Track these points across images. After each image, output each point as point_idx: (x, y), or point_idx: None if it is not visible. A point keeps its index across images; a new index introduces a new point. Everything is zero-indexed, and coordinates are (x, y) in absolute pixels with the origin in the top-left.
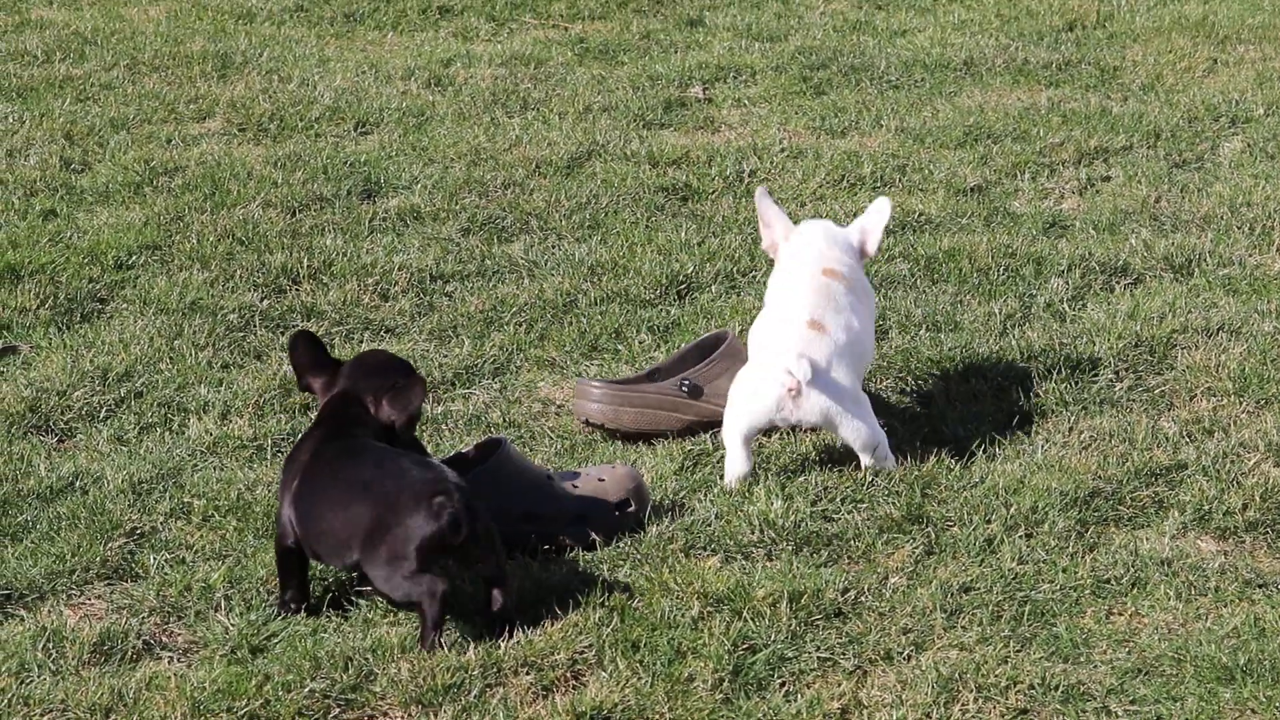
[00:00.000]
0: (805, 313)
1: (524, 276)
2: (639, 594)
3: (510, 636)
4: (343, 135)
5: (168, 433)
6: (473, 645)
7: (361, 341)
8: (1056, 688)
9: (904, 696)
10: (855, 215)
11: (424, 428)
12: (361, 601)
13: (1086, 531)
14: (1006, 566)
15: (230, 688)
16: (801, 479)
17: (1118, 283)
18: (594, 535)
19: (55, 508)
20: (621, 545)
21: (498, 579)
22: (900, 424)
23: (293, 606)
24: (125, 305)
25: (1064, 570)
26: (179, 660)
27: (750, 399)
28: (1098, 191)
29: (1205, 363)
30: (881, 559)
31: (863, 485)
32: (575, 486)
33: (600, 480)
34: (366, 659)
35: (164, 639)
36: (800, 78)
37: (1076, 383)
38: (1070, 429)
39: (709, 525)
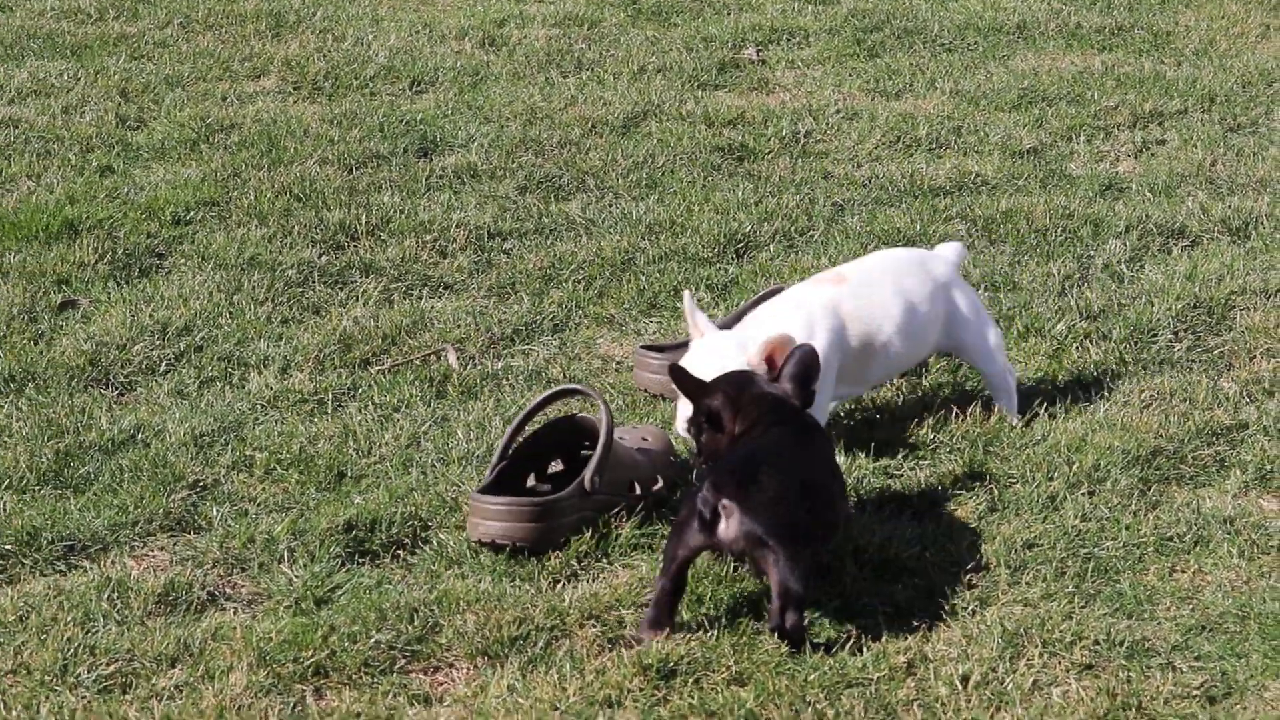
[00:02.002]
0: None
1: (582, 234)
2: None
3: None
4: (398, 94)
5: (228, 387)
6: (538, 598)
7: (420, 298)
8: (1121, 643)
9: (969, 651)
10: (909, 177)
11: (484, 381)
12: (427, 552)
13: (1149, 490)
14: (1069, 523)
15: (295, 639)
16: (864, 436)
17: (1175, 245)
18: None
19: (117, 460)
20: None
21: None
22: (961, 381)
23: None
24: (183, 260)
25: (1127, 528)
26: (243, 611)
27: None
28: (1153, 155)
29: (1264, 324)
30: (945, 515)
31: (926, 443)
32: (645, 440)
33: (644, 440)
34: (432, 610)
35: (228, 590)
36: (854, 40)
37: (1136, 343)
38: (1131, 388)
39: None
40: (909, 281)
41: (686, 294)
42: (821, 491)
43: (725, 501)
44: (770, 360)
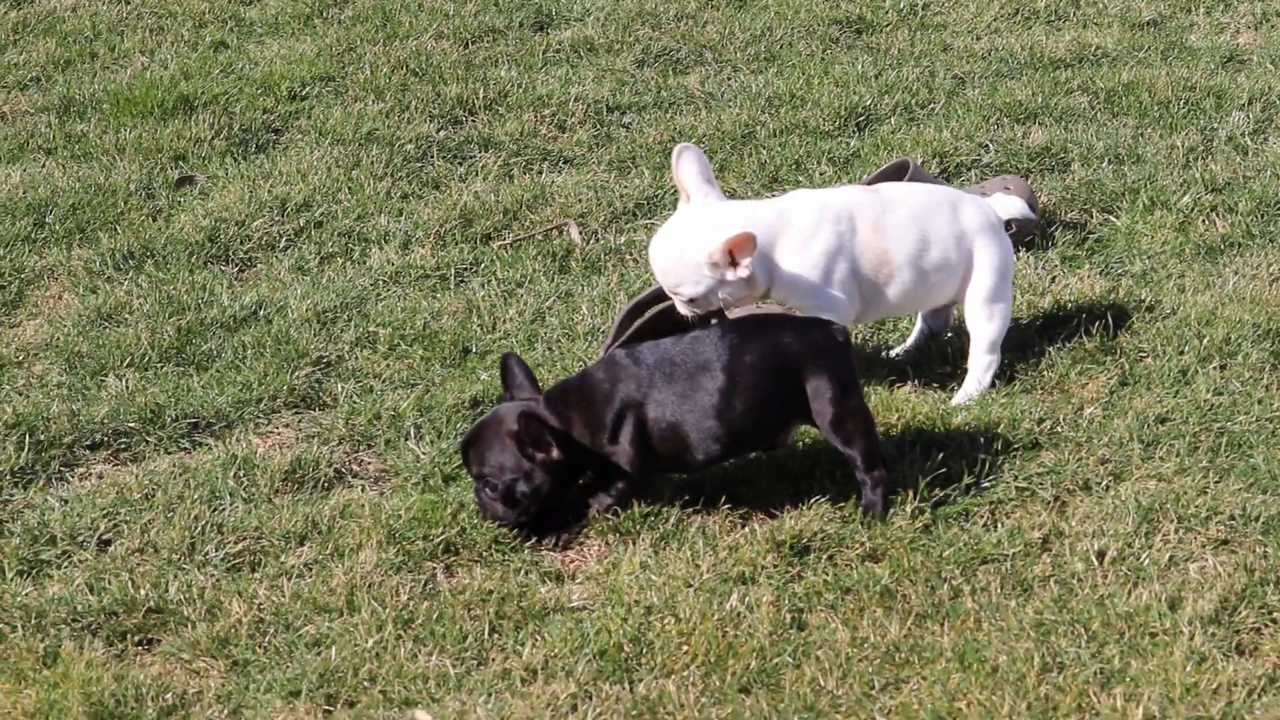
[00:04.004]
0: None
1: (701, 108)
2: None
3: None
4: None
5: (349, 262)
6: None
7: (540, 172)
8: (1257, 518)
9: (1105, 526)
10: (1029, 50)
11: (607, 256)
12: None
13: None
14: (1202, 398)
15: (424, 516)
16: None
17: None
18: None
19: (239, 336)
20: None
21: None
22: (1085, 254)
23: None
24: (300, 136)
25: (1259, 402)
26: (371, 489)
27: None
28: (1273, 26)
29: None
30: (1076, 389)
31: (1054, 315)
32: (1007, 187)
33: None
34: None
35: (355, 467)
36: None
37: (1262, 216)
38: (1259, 262)
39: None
40: (935, 218)
41: (678, 148)
42: None
43: None
44: (731, 255)
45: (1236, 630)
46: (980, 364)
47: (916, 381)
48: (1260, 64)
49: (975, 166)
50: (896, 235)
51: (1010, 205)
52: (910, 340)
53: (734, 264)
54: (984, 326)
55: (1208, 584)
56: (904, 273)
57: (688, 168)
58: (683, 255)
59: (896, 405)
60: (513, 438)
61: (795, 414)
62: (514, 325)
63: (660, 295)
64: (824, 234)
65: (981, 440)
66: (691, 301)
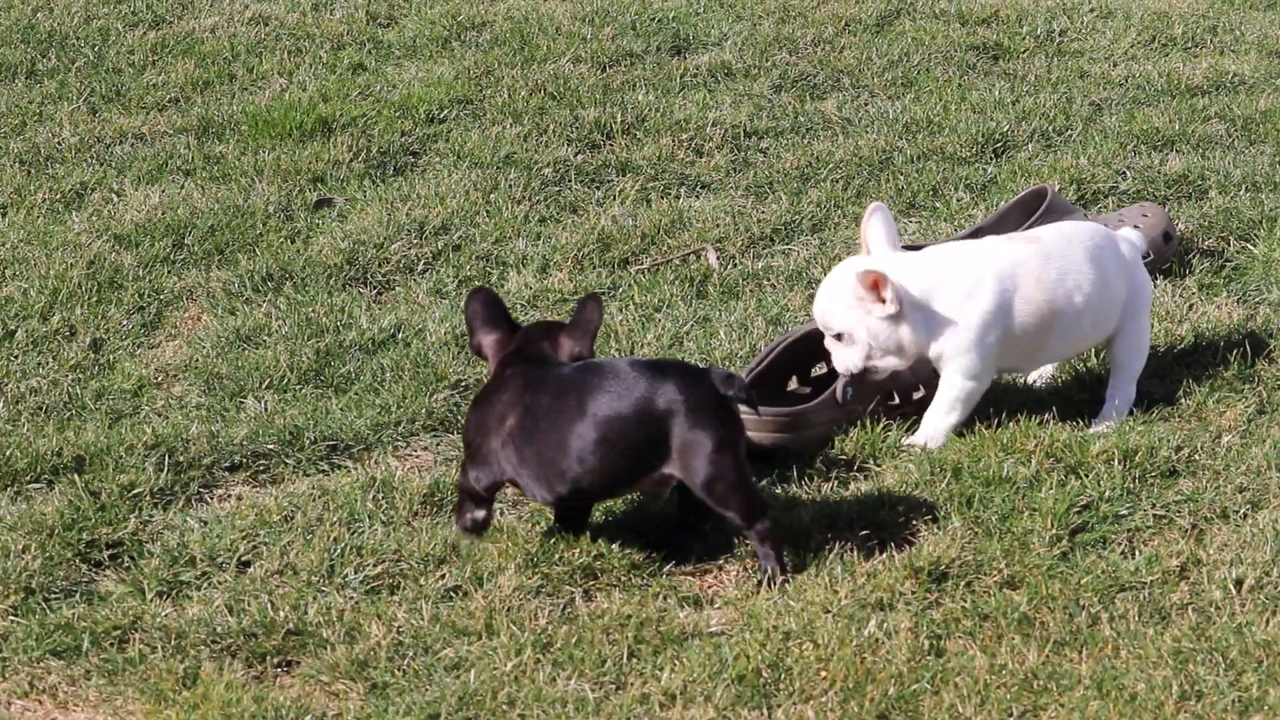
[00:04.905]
0: None
1: (838, 133)
2: (974, 452)
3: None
4: None
5: (488, 286)
6: (806, 503)
7: (678, 197)
8: None
9: (1243, 555)
10: (1166, 76)
11: (745, 281)
12: None
13: None
14: None
15: (563, 540)
16: None
17: None
18: None
19: (378, 359)
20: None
21: None
22: (1223, 282)
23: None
24: (438, 159)
25: None
26: (509, 512)
27: None
28: None
29: None
30: (1214, 417)
31: (1189, 344)
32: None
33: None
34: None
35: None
36: None
37: None
38: None
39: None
40: (1105, 254)
41: (871, 207)
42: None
43: None
44: (876, 289)
45: None
46: (1124, 396)
47: (1054, 409)
48: None
49: (1112, 194)
50: (1075, 279)
51: (1132, 236)
52: (1048, 369)
53: (881, 300)
54: (1128, 359)
55: None
56: (1084, 316)
57: (875, 228)
58: (834, 283)
59: (1034, 432)
60: None
61: (659, 466)
62: (652, 349)
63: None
64: (986, 291)
65: (1119, 468)
66: (839, 339)
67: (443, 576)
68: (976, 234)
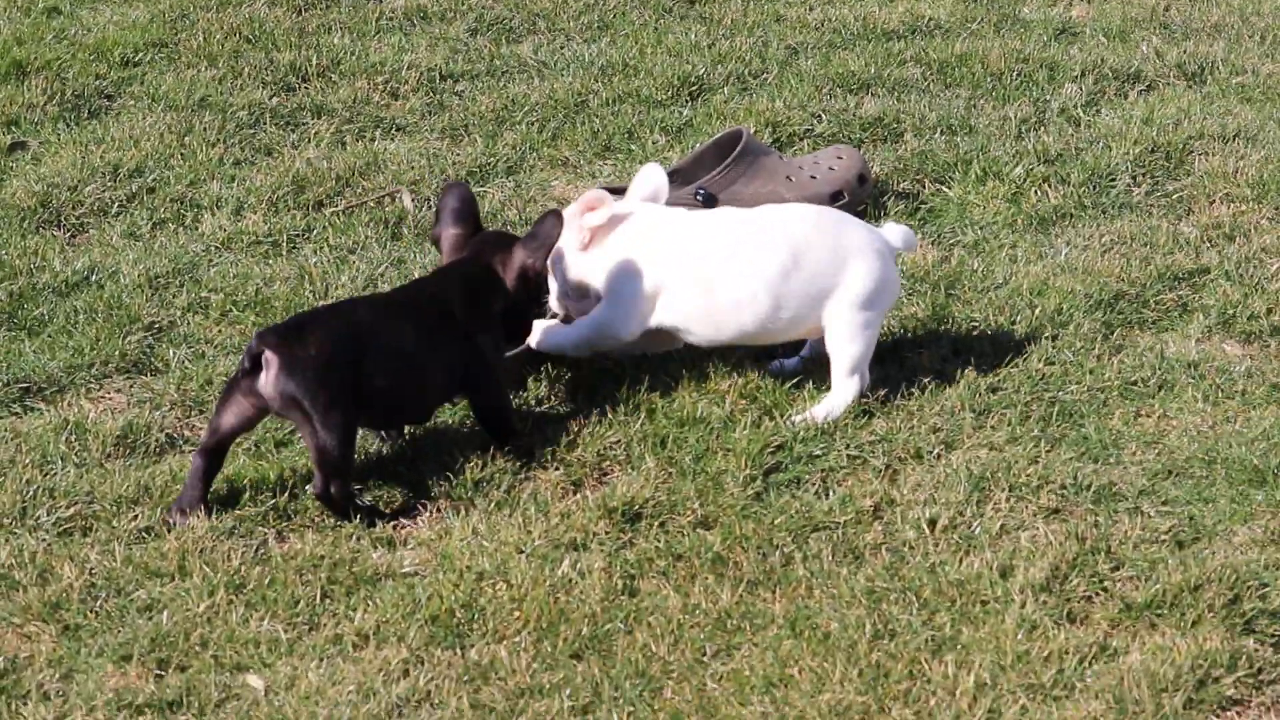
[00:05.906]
0: None
1: (534, 77)
2: (668, 392)
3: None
4: None
5: (181, 228)
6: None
7: (373, 140)
8: (1088, 488)
9: (936, 495)
10: (862, 20)
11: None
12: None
13: (1112, 334)
14: (1034, 367)
15: (256, 481)
16: None
17: (1130, 90)
18: None
19: (71, 301)
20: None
21: None
22: (918, 224)
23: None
24: (133, 102)
25: (1091, 372)
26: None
27: None
28: (1106, 0)
29: (1223, 169)
30: (909, 358)
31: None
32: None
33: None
34: (394, 456)
35: (186, 433)
36: None
37: (1094, 187)
38: (1091, 232)
39: None
40: (816, 241)
41: (646, 167)
42: (400, 364)
43: (267, 353)
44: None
45: (1067, 598)
46: (845, 390)
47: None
48: (1093, 36)
49: (808, 136)
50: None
51: (894, 234)
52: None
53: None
54: (850, 344)
55: (1039, 552)
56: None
57: (641, 185)
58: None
59: (728, 373)
60: None
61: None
62: (346, 291)
63: None
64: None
65: (812, 407)
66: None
67: (135, 518)
68: (672, 176)
